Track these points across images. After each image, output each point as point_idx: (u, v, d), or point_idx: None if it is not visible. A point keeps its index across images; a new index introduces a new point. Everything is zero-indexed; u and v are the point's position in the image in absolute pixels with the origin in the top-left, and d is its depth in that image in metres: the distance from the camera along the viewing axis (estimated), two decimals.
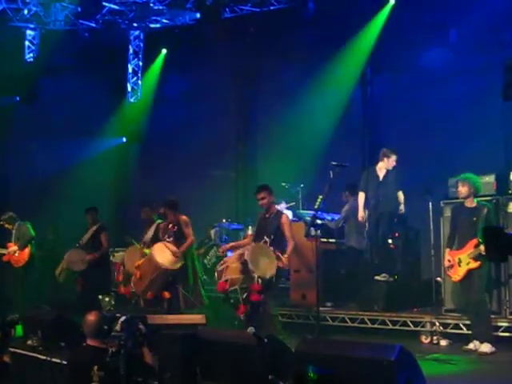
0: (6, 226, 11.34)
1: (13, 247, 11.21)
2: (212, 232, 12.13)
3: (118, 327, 5.29)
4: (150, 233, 10.20)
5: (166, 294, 9.65)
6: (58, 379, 7.31)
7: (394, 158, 9.62)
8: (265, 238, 8.10)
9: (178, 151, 14.40)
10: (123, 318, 5.38)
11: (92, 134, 15.10)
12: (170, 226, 9.85)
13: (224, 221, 12.07)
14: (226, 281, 8.22)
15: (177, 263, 9.53)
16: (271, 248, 7.96)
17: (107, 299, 11.29)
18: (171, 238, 9.81)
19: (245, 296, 8.12)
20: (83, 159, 14.74)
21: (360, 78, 12.97)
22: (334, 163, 7.52)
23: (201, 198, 12.71)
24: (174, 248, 9.59)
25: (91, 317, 5.60)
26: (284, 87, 13.56)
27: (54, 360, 7.40)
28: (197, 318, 7.47)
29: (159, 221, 10.19)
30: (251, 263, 7.93)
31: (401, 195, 9.64)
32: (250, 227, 11.54)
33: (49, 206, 13.52)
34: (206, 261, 11.54)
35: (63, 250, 11.26)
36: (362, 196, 9.67)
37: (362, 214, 9.59)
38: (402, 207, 9.65)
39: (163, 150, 14.72)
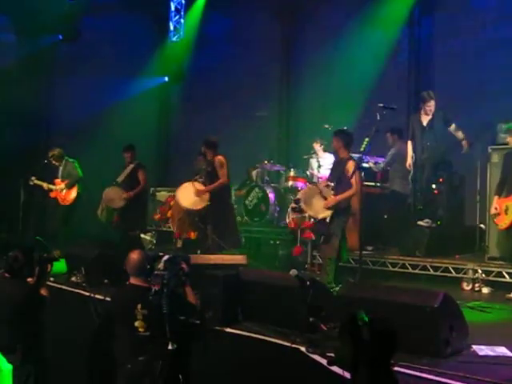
0: (54, 162, 11.42)
1: (60, 185, 11.28)
2: (254, 173, 12.08)
3: (160, 266, 5.32)
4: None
5: (192, 235, 9.70)
6: (100, 315, 7.45)
7: (428, 103, 9.36)
8: (328, 182, 8.14)
9: (220, 91, 14.27)
10: (166, 257, 5.40)
11: (134, 73, 15.03)
12: (205, 165, 9.85)
13: (266, 162, 11.98)
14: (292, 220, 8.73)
15: (199, 204, 9.49)
16: (331, 192, 7.93)
17: (149, 238, 11.45)
18: (202, 179, 9.82)
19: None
20: (125, 98, 14.69)
21: (408, 18, 12.58)
22: (381, 105, 7.34)
23: (243, 139, 12.62)
24: (200, 187, 9.58)
25: (134, 255, 5.62)
26: (329, 27, 13.23)
27: (97, 296, 7.55)
28: (239, 259, 7.50)
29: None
30: (303, 202, 8.09)
31: (456, 132, 9.39)
32: (292, 169, 11.49)
33: (90, 145, 13.61)
34: (247, 202, 11.51)
35: (102, 189, 11.32)
36: (410, 144, 9.55)
37: (409, 161, 9.50)
38: (463, 143, 9.33)
39: (205, 90, 14.61)
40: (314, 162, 10.93)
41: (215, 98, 14.34)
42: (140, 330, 5.27)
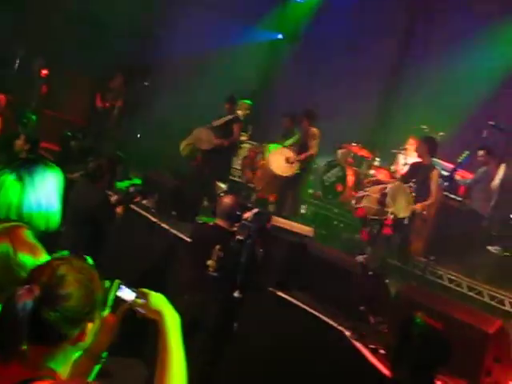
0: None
1: None
2: (339, 152, 12.03)
3: (249, 217, 5.45)
4: (288, 142, 10.41)
5: (273, 197, 9.97)
6: (160, 243, 7.67)
7: None
8: (410, 183, 8.17)
9: (329, 61, 14.09)
10: (256, 210, 5.55)
11: (251, 23, 15.04)
12: (299, 134, 10.00)
13: (354, 144, 11.91)
14: (363, 207, 8.44)
15: (288, 171, 9.72)
16: (413, 194, 8.04)
17: (221, 185, 11.60)
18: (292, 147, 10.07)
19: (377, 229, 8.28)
20: (235, 44, 14.73)
21: None
22: (491, 123, 7.24)
23: (339, 116, 12.49)
24: (290, 154, 9.79)
25: (227, 199, 5.80)
26: (454, 32, 12.89)
27: (162, 225, 7.76)
28: (306, 230, 7.58)
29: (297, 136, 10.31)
30: (390, 197, 8.11)
31: None
32: (377, 158, 11.44)
33: (188, 79, 13.75)
34: (325, 177, 11.44)
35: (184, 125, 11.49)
36: (503, 167, 9.35)
37: (496, 183, 9.33)
38: None
39: (316, 57, 14.43)
40: (401, 159, 10.81)
41: (322, 67, 14.18)
42: (210, 269, 5.43)
